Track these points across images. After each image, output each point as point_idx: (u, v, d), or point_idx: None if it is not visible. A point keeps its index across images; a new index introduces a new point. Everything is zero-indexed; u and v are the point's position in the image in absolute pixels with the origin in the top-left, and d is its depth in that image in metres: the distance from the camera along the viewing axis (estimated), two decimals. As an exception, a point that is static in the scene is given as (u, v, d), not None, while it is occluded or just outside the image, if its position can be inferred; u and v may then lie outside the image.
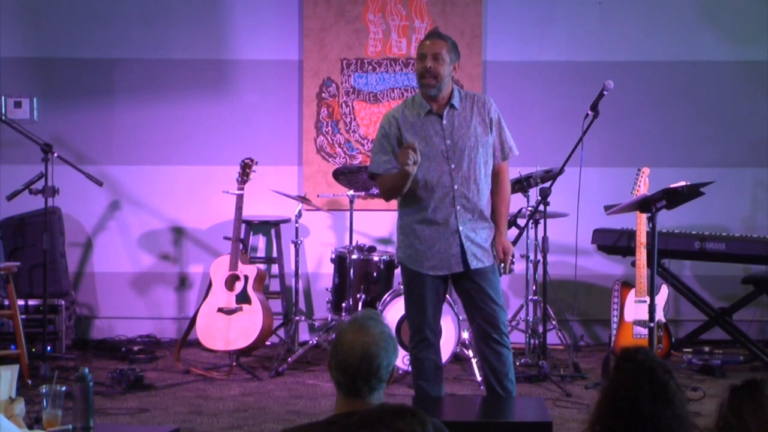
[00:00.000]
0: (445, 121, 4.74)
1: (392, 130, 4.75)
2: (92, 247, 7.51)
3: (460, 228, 4.76)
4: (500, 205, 4.91)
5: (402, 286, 5.01)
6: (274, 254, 7.38)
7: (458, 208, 4.75)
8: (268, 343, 6.88)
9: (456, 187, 4.73)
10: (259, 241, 7.52)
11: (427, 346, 4.87)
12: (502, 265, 4.89)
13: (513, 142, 4.96)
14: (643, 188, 6.10)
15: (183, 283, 7.51)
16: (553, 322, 6.67)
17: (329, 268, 6.86)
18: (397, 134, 4.74)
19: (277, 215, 7.25)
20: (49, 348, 6.48)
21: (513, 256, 5.05)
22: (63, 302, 6.87)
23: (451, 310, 6.21)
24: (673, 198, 5.22)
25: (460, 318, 6.27)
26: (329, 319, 6.75)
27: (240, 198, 6.59)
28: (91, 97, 7.46)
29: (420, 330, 4.86)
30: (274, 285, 7.37)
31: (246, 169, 6.67)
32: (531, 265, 6.68)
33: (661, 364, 2.61)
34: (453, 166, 4.73)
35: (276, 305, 7.11)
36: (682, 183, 5.28)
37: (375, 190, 6.56)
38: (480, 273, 4.82)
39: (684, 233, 6.67)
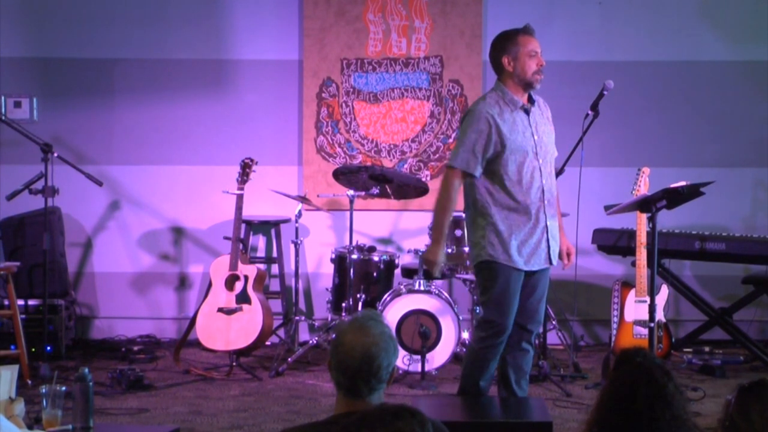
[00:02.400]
0: (531, 117, 4.83)
1: (491, 129, 4.73)
2: (92, 247, 7.51)
3: (548, 223, 4.82)
4: (557, 204, 5.00)
5: (487, 283, 4.81)
6: (274, 254, 7.38)
7: (546, 203, 4.82)
8: (268, 343, 6.87)
9: (544, 182, 4.82)
10: (259, 241, 7.52)
11: (500, 351, 4.85)
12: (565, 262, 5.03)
13: None
14: (643, 188, 6.10)
15: (183, 283, 7.51)
16: (553, 322, 6.67)
17: (329, 268, 6.86)
18: (495, 132, 4.73)
19: (277, 215, 7.25)
20: (49, 348, 6.48)
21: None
22: (63, 302, 6.87)
23: (451, 309, 6.22)
24: (673, 198, 5.22)
25: (460, 318, 6.28)
26: (329, 319, 6.75)
27: (240, 198, 6.59)
28: (91, 97, 7.45)
29: (503, 331, 4.78)
30: (274, 285, 7.37)
31: (246, 169, 6.67)
32: (531, 265, 6.67)
33: (659, 365, 2.61)
34: (541, 161, 4.82)
35: (276, 305, 7.11)
36: (682, 183, 5.28)
37: (375, 190, 6.56)
38: (543, 272, 4.90)
39: (684, 233, 6.67)
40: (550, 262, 4.87)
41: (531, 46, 4.81)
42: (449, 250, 6.31)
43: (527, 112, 4.83)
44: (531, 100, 4.87)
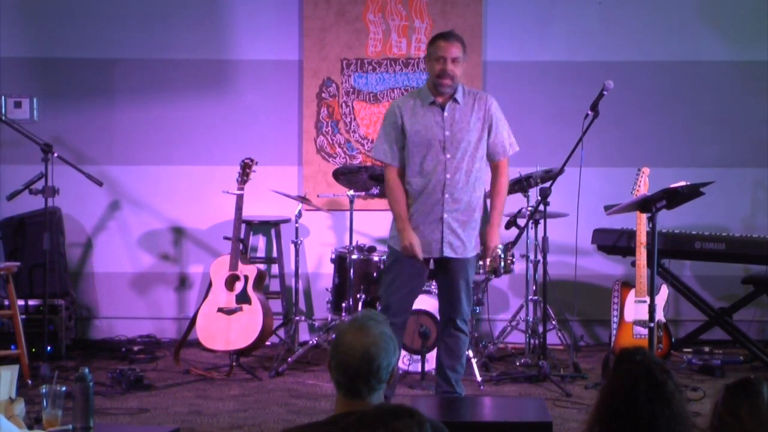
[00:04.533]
0: (446, 113, 5.07)
1: (396, 119, 5.11)
2: (92, 247, 7.51)
3: (445, 216, 5.07)
4: (495, 199, 5.21)
5: (385, 263, 5.36)
6: (274, 254, 7.38)
7: (446, 197, 5.06)
8: (268, 343, 6.87)
9: (448, 176, 5.05)
10: (259, 241, 7.52)
11: (395, 332, 5.03)
12: (482, 261, 5.21)
13: (513, 138, 5.30)
14: (643, 188, 6.10)
15: (183, 283, 7.51)
16: (553, 322, 6.67)
17: (329, 268, 6.86)
18: (400, 123, 5.10)
19: (277, 215, 7.25)
20: (49, 348, 6.48)
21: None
22: (63, 302, 6.87)
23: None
24: (673, 198, 5.22)
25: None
26: (329, 319, 6.75)
27: (240, 198, 6.59)
28: (91, 97, 7.45)
29: (387, 308, 5.14)
30: (274, 285, 7.37)
31: (246, 169, 6.67)
32: (531, 265, 6.67)
33: (659, 364, 2.62)
34: (448, 156, 5.05)
35: (276, 305, 7.11)
36: (682, 183, 5.29)
37: (375, 190, 6.57)
38: (455, 263, 5.15)
39: (684, 233, 6.67)
40: (442, 254, 5.11)
41: (440, 51, 5.07)
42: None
43: (443, 108, 5.08)
44: (454, 99, 5.11)
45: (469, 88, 5.24)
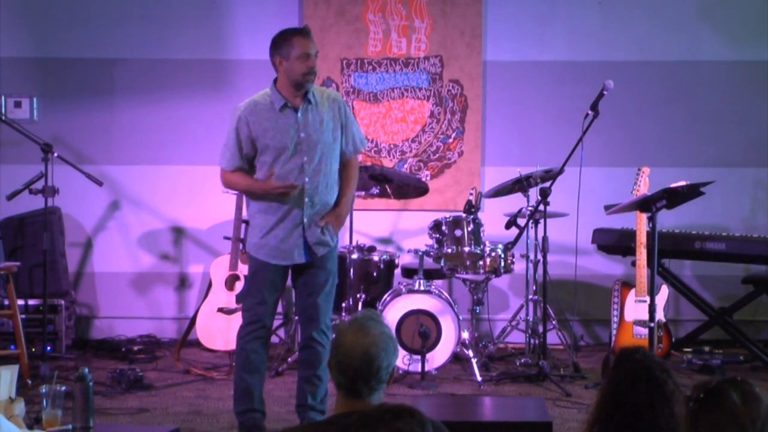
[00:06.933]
0: (300, 115, 4.88)
1: (242, 126, 4.89)
2: (92, 247, 7.51)
3: (305, 220, 4.88)
4: (345, 189, 5.01)
5: (249, 272, 5.08)
6: (274, 254, 7.37)
7: (306, 200, 4.87)
8: (268, 343, 6.87)
9: (307, 179, 4.86)
10: (259, 241, 7.51)
11: (259, 337, 4.97)
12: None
13: (362, 135, 5.13)
14: (643, 188, 6.10)
15: (183, 283, 7.51)
16: (553, 322, 6.67)
17: (329, 268, 6.85)
18: (247, 132, 4.88)
19: (277, 215, 7.23)
20: (49, 348, 6.48)
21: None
22: (63, 302, 6.87)
23: (451, 309, 6.22)
24: (673, 198, 5.22)
25: (460, 318, 6.28)
26: (329, 319, 6.74)
27: (240, 197, 6.59)
28: (91, 97, 7.46)
29: (258, 320, 4.94)
30: (274, 285, 7.36)
31: (246, 169, 6.66)
32: (531, 265, 6.67)
33: (658, 363, 2.62)
34: (305, 158, 4.87)
35: (276, 305, 7.10)
36: (682, 183, 5.29)
37: (375, 190, 6.57)
38: (317, 270, 4.95)
39: (684, 233, 6.67)
40: (310, 257, 4.92)
41: (303, 48, 4.84)
42: (449, 250, 6.31)
43: (296, 110, 4.88)
44: (307, 99, 4.90)
45: (320, 87, 5.05)
